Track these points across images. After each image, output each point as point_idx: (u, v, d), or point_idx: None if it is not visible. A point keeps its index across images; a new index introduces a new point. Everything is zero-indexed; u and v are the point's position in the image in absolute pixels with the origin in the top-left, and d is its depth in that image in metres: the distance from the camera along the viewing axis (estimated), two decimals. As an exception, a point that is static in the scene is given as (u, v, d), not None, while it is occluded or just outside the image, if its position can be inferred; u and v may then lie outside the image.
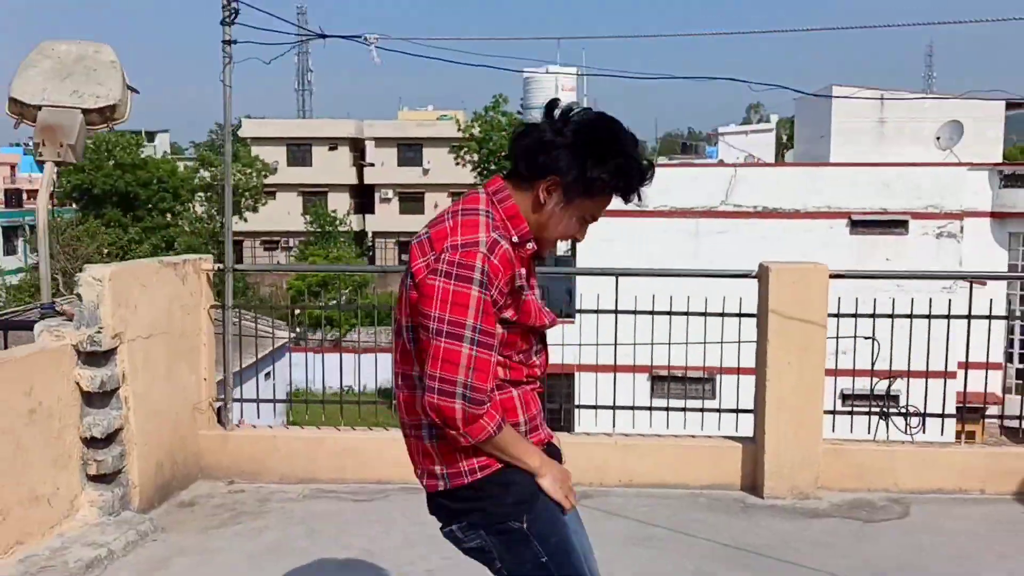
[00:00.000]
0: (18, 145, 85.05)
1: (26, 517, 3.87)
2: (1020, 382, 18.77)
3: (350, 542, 4.09)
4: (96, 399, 4.19)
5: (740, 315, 4.87)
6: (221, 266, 4.98)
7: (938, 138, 23.19)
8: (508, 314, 2.08)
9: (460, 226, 2.05)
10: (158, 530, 4.24)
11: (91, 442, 4.19)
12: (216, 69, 4.85)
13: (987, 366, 6.53)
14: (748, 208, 21.26)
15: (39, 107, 4.77)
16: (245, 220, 44.90)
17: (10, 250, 47.19)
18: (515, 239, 2.10)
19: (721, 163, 27.46)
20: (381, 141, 51.64)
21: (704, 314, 4.94)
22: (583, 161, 2.06)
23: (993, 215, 21.37)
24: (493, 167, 41.86)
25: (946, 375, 4.95)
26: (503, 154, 39.84)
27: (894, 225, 21.20)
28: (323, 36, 4.77)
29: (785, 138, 41.42)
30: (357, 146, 52.41)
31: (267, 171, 44.09)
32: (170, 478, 4.68)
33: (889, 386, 4.83)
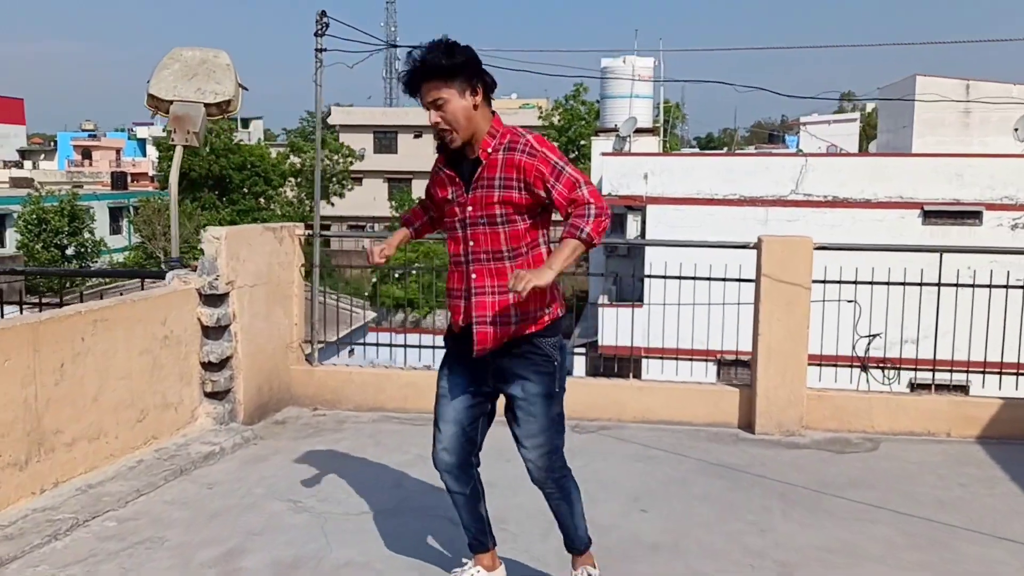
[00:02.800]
0: (122, 131, 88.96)
1: (160, 419, 5.03)
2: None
3: (408, 450, 5.11)
4: (213, 332, 5.33)
5: (740, 280, 5.74)
6: (310, 232, 6.08)
7: (1016, 129, 23.09)
8: None
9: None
10: (257, 438, 5.36)
11: (208, 366, 5.33)
12: (306, 65, 5.96)
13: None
14: (818, 197, 21.61)
15: (171, 101, 5.94)
16: (332, 204, 46.59)
17: (115, 230, 50.04)
18: None
19: (799, 152, 27.68)
20: (464, 129, 53.00)
21: (709, 279, 5.81)
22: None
23: (1076, 209, 21.16)
24: (573, 154, 42.63)
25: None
26: (583, 142, 40.57)
27: (967, 216, 21.29)
28: (395, 46, 5.84)
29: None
30: (441, 134, 53.87)
31: (354, 157, 45.54)
32: (267, 400, 5.80)
33: (869, 344, 5.61)
